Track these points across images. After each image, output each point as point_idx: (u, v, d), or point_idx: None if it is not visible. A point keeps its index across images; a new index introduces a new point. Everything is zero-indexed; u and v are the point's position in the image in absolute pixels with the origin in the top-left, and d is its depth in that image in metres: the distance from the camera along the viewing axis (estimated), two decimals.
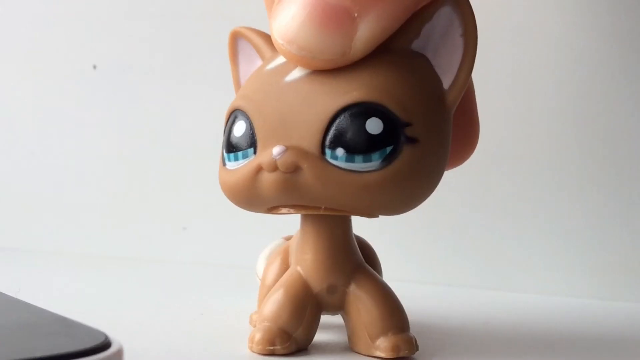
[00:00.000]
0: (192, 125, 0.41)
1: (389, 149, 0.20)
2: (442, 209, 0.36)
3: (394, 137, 0.20)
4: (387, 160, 0.20)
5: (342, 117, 0.20)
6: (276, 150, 0.21)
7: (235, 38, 0.25)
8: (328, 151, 0.20)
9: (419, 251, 0.37)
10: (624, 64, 0.34)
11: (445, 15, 0.21)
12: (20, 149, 0.45)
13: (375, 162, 0.20)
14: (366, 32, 0.20)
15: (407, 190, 0.21)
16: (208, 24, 0.41)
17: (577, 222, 0.35)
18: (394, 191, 0.21)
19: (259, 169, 0.21)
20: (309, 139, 0.21)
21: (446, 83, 0.22)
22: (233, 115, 0.22)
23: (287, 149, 0.20)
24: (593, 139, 0.34)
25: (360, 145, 0.20)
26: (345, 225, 0.23)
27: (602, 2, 0.34)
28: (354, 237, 0.23)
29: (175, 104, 0.42)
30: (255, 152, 0.21)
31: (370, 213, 0.21)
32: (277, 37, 0.20)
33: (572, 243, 0.35)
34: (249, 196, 0.22)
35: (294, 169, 0.20)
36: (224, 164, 0.22)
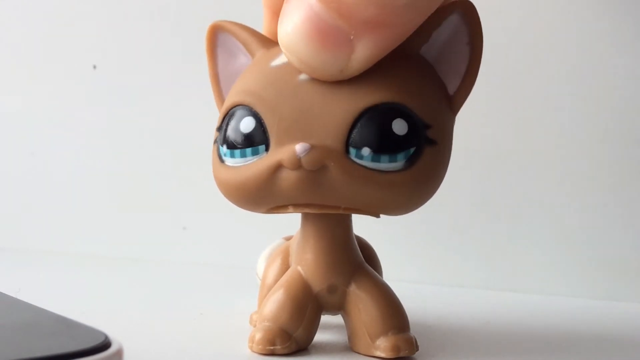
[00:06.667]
0: (192, 125, 0.41)
1: (412, 150, 0.21)
2: (442, 209, 0.36)
3: (417, 138, 0.21)
4: (410, 161, 0.21)
5: (367, 116, 0.20)
6: (300, 147, 0.20)
7: (216, 32, 0.24)
8: (353, 150, 0.20)
9: (419, 251, 0.37)
10: (624, 63, 0.34)
11: (453, 22, 0.22)
12: (20, 149, 0.45)
13: (399, 163, 0.21)
14: (363, 52, 0.20)
15: (424, 191, 0.21)
16: (208, 23, 0.40)
17: (577, 222, 0.35)
18: (415, 191, 0.21)
19: (278, 166, 0.21)
20: (333, 138, 0.20)
21: (451, 89, 0.22)
22: (236, 111, 0.22)
23: (312, 146, 0.20)
24: (593, 139, 0.34)
25: (386, 145, 0.20)
26: (345, 225, 0.23)
27: (603, 1, 0.34)
28: (354, 237, 0.23)
29: (175, 103, 0.42)
30: (267, 150, 0.21)
31: (387, 212, 0.22)
32: (281, 45, 0.21)
33: (572, 243, 0.35)
34: (260, 194, 0.21)
35: (319, 167, 0.20)
36: (222, 161, 0.22)
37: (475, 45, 0.22)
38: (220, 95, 0.25)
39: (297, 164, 0.20)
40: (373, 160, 0.20)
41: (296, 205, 0.21)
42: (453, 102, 0.22)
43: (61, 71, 0.44)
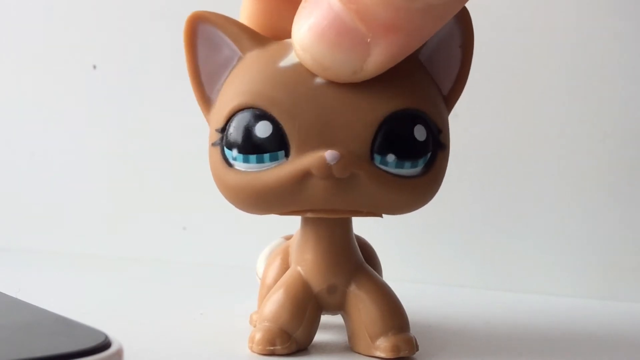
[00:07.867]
0: (192, 125, 0.41)
1: (429, 155, 0.21)
2: (442, 209, 0.36)
3: (433, 143, 0.21)
4: (427, 165, 0.21)
5: (391, 123, 0.20)
6: (330, 155, 0.20)
7: (196, 23, 0.22)
8: (377, 157, 0.20)
9: (419, 251, 0.37)
10: (624, 64, 0.34)
11: (447, 25, 0.22)
12: (20, 149, 0.45)
13: (419, 168, 0.21)
14: (378, 56, 0.20)
15: (434, 192, 0.22)
16: None
17: (578, 222, 0.35)
18: (428, 194, 0.22)
19: (305, 174, 0.20)
20: (357, 144, 0.20)
21: (443, 90, 0.22)
22: (245, 113, 0.21)
23: (342, 154, 0.20)
24: (593, 139, 0.34)
25: (410, 152, 0.21)
26: (346, 225, 0.23)
27: (604, 2, 0.34)
28: (354, 237, 0.23)
29: (175, 103, 0.42)
30: (286, 155, 0.21)
31: (398, 213, 0.22)
32: (295, 43, 0.20)
33: (572, 243, 0.35)
34: (281, 200, 0.21)
35: (349, 175, 0.20)
36: (229, 165, 0.21)
37: (468, 47, 0.22)
38: (200, 90, 0.23)
39: (328, 172, 0.20)
40: (397, 166, 0.21)
41: (316, 210, 0.21)
42: (446, 103, 0.22)
43: (61, 71, 0.44)
